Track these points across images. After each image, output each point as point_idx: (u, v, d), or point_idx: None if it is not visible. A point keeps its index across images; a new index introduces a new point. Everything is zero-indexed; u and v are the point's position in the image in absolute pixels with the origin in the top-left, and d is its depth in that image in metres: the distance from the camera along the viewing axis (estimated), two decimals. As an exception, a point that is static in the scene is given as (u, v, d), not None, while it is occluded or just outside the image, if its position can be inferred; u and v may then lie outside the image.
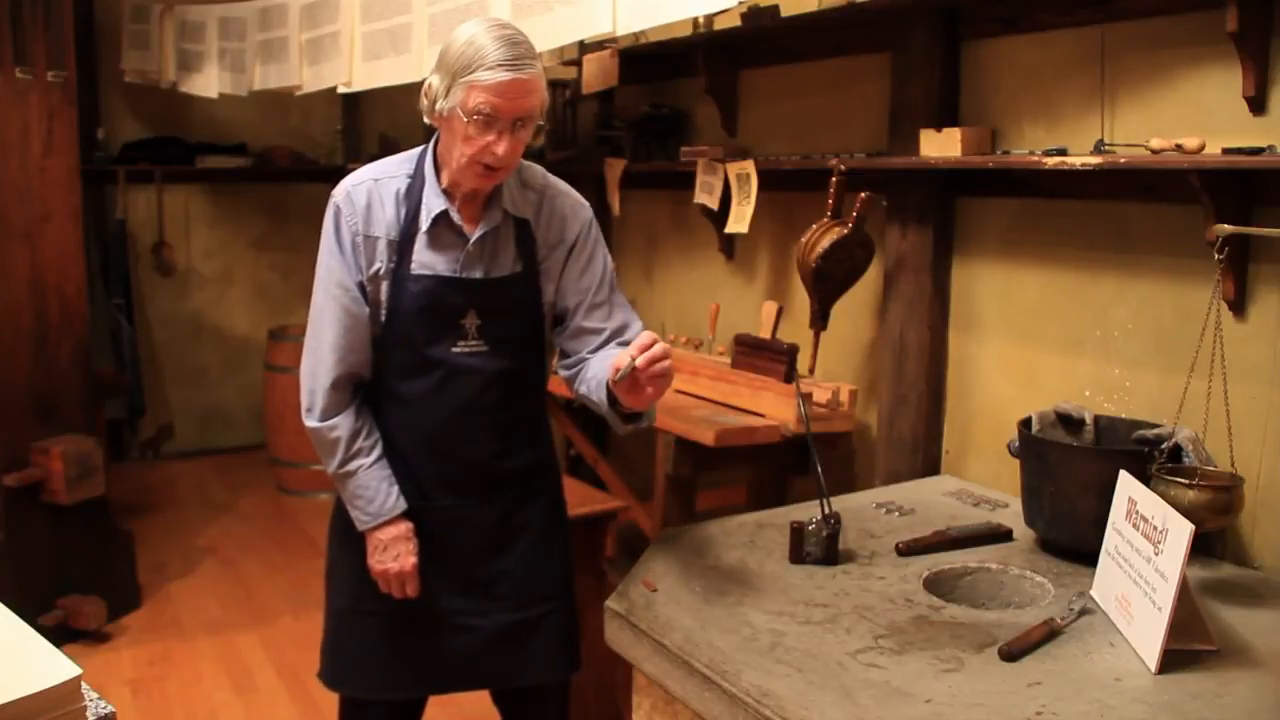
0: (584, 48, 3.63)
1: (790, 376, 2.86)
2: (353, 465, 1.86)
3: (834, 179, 2.72)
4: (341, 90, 3.65)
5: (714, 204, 3.31)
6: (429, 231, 1.83)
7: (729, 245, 3.54)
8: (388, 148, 5.65)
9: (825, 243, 2.71)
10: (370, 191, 1.85)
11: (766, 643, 1.64)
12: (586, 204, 1.98)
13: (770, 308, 3.08)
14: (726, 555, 2.00)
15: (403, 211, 1.84)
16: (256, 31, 4.11)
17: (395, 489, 1.88)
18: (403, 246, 1.84)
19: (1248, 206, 2.00)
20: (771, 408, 2.81)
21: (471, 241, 1.84)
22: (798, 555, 1.95)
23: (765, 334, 3.04)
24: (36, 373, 3.44)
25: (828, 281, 2.77)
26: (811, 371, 2.95)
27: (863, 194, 2.68)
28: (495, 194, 1.84)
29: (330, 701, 3.18)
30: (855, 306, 2.97)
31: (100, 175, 5.39)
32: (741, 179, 3.15)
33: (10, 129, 3.34)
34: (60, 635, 3.40)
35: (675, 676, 1.67)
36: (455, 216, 1.83)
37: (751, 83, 3.46)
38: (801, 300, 3.00)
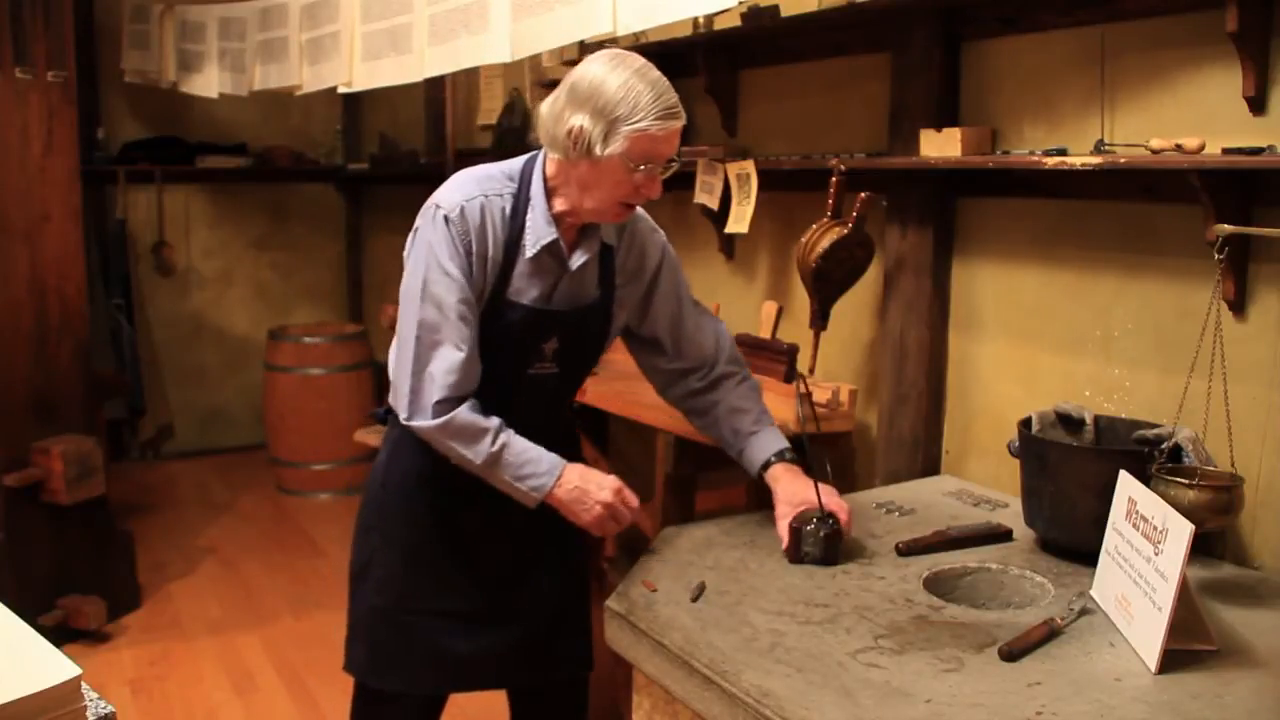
0: (584, 48, 3.63)
1: (790, 376, 2.86)
2: (504, 435, 1.80)
3: (834, 179, 2.72)
4: (342, 90, 3.65)
5: (714, 204, 3.31)
6: (532, 258, 1.81)
7: (729, 245, 3.54)
8: (388, 147, 5.65)
9: (825, 243, 2.71)
10: (483, 208, 1.80)
11: (766, 643, 1.64)
12: (660, 229, 2.02)
13: (770, 308, 3.08)
14: (726, 555, 2.00)
15: (507, 233, 1.81)
16: (256, 31, 4.11)
17: None
18: (504, 270, 1.81)
19: (1248, 206, 2.00)
20: (771, 407, 2.80)
21: (572, 271, 1.84)
22: (796, 555, 1.95)
23: (765, 334, 3.04)
24: (36, 373, 3.44)
25: (828, 281, 2.77)
26: (811, 371, 2.95)
27: (863, 194, 2.68)
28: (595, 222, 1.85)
29: (331, 701, 3.19)
30: (855, 306, 2.97)
31: (100, 175, 5.40)
32: (741, 179, 3.15)
33: (10, 129, 3.34)
34: (60, 635, 3.41)
35: (675, 676, 1.67)
36: (562, 245, 1.83)
37: (751, 83, 3.46)
38: (801, 300, 3.00)
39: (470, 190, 1.81)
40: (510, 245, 1.81)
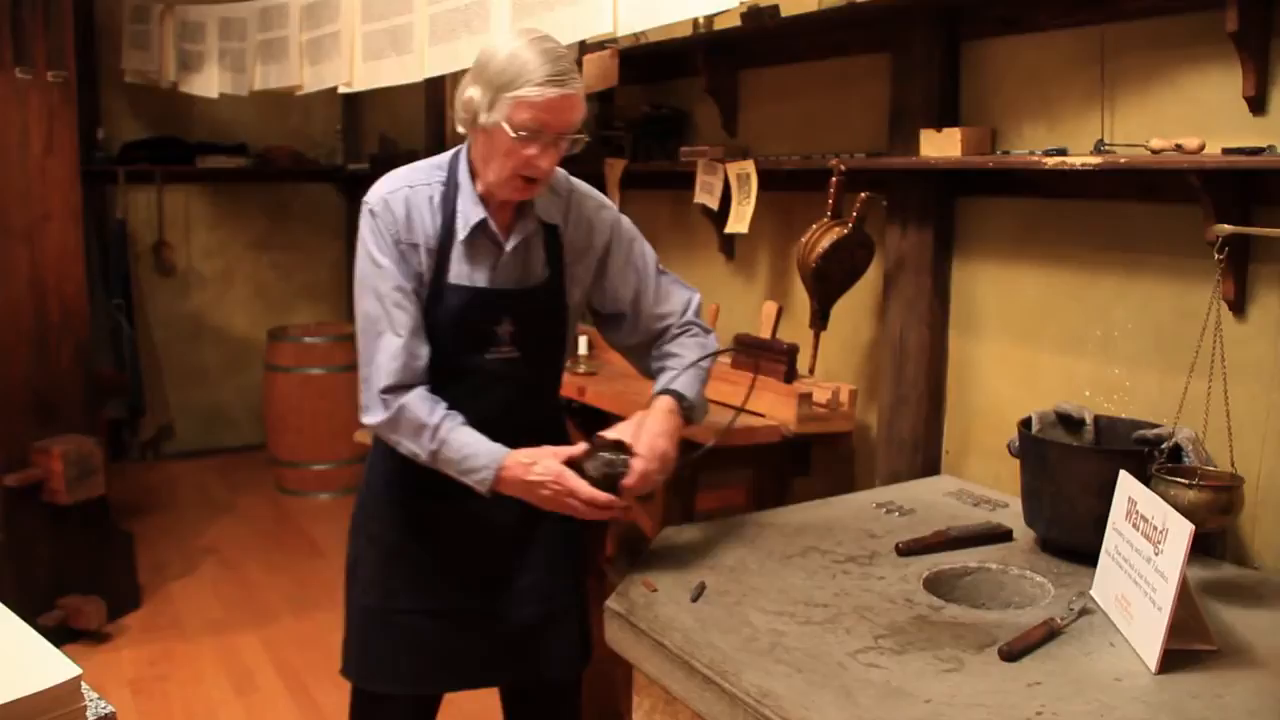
0: (584, 48, 3.63)
1: (790, 376, 2.86)
2: (443, 431, 1.78)
3: (834, 179, 2.72)
4: (342, 90, 3.65)
5: (714, 204, 3.31)
6: (466, 240, 1.82)
7: (729, 245, 3.54)
8: (388, 148, 5.65)
9: (825, 243, 2.71)
10: (407, 199, 1.83)
11: (766, 643, 1.64)
12: (611, 204, 2.00)
13: (770, 308, 3.08)
14: (726, 555, 2.00)
15: (439, 219, 1.83)
16: (256, 31, 4.11)
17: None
18: (440, 255, 1.83)
19: (1248, 206, 2.00)
20: (771, 408, 2.81)
21: (508, 251, 1.84)
22: (574, 463, 1.78)
23: (765, 334, 3.04)
24: (36, 373, 3.44)
25: (828, 281, 2.77)
26: (811, 371, 2.95)
27: (863, 194, 2.68)
28: (528, 201, 1.85)
29: (331, 702, 3.19)
30: (855, 306, 2.97)
31: (100, 175, 5.39)
32: (741, 179, 3.15)
33: (10, 129, 3.34)
34: (60, 635, 3.40)
35: (675, 676, 1.67)
36: (493, 225, 1.83)
37: (751, 83, 3.46)
38: (801, 300, 3.00)
39: (394, 184, 1.85)
40: (444, 231, 1.83)
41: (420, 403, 1.80)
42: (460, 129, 1.81)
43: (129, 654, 3.51)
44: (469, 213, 1.82)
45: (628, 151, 3.83)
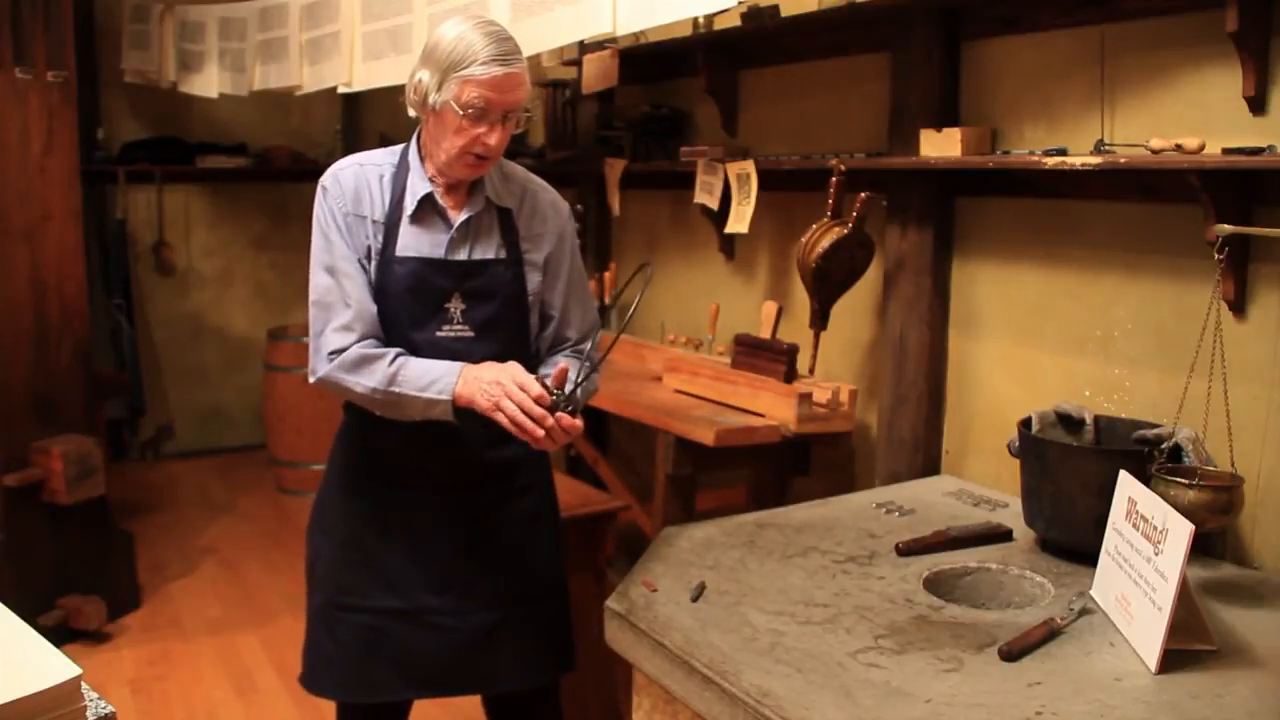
0: (584, 48, 3.64)
1: (790, 376, 2.86)
2: (403, 357, 1.81)
3: (834, 179, 2.72)
4: (341, 90, 3.65)
5: (714, 204, 3.31)
6: (414, 215, 1.86)
7: (729, 245, 3.54)
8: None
9: (825, 243, 2.71)
10: (357, 175, 1.89)
11: (766, 643, 1.64)
12: (566, 204, 2.03)
13: (770, 308, 3.08)
14: (726, 555, 2.00)
15: (388, 195, 1.88)
16: (256, 31, 4.11)
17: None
18: (389, 229, 1.87)
19: (1248, 206, 2.00)
20: (771, 408, 2.81)
21: (456, 225, 1.87)
22: (548, 391, 1.73)
23: (765, 334, 3.04)
24: (36, 373, 3.44)
25: (828, 281, 2.77)
26: (811, 371, 2.95)
27: (863, 194, 2.68)
28: (478, 183, 1.89)
29: (330, 702, 3.19)
30: (855, 306, 2.97)
31: (100, 175, 5.39)
32: (741, 179, 3.15)
33: (10, 129, 3.34)
34: (60, 635, 3.41)
35: (675, 676, 1.67)
36: (440, 199, 1.87)
37: (751, 83, 3.46)
38: (801, 300, 3.00)
39: (347, 162, 1.92)
40: (393, 206, 1.87)
41: (373, 345, 1.83)
42: (411, 112, 1.86)
43: (129, 654, 3.52)
44: (417, 188, 1.87)
45: (628, 151, 3.83)
